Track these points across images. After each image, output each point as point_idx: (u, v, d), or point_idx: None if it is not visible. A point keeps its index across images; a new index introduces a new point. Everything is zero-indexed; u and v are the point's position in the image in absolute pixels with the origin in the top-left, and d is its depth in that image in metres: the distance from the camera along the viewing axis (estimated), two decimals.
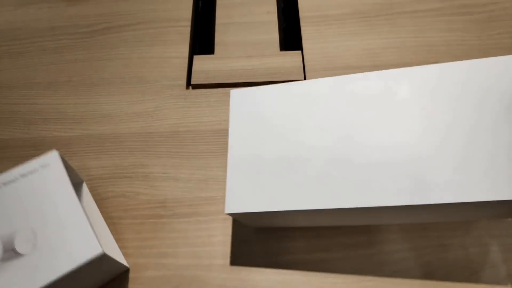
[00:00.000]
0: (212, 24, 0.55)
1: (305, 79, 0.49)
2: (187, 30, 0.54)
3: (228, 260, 0.38)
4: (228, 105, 0.47)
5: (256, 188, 0.30)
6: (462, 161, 0.27)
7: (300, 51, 0.51)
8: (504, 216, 0.35)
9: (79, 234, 0.31)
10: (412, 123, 0.29)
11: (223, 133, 0.45)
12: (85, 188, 0.41)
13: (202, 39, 0.56)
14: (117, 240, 0.40)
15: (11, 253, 0.30)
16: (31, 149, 0.46)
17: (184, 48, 0.52)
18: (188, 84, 0.50)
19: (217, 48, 0.52)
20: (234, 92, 0.33)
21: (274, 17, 0.55)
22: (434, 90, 0.29)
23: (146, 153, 0.44)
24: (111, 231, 0.40)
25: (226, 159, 0.43)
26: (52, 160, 0.34)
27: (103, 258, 0.31)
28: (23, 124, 0.48)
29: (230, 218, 0.40)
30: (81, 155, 0.45)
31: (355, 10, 0.54)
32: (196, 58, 0.51)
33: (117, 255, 0.36)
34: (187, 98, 0.48)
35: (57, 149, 0.45)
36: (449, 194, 0.26)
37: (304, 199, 0.28)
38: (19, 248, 0.30)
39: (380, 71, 0.31)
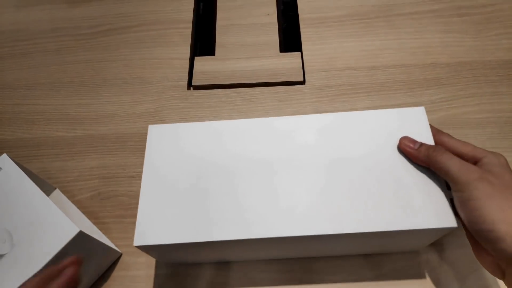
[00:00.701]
0: (213, 26, 0.56)
1: (304, 80, 0.49)
2: (188, 31, 0.55)
3: None
4: (229, 105, 0.48)
5: (168, 221, 0.30)
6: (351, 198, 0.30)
7: (299, 53, 0.52)
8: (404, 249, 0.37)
9: (52, 221, 0.32)
10: (313, 163, 0.32)
11: None
12: (57, 193, 0.43)
13: (203, 41, 0.57)
14: (118, 239, 0.40)
15: None
16: (34, 149, 0.46)
17: (185, 50, 0.53)
18: (189, 85, 0.50)
19: (217, 49, 0.53)
20: (152, 127, 0.35)
21: (274, 19, 0.55)
22: (333, 135, 0.33)
23: None
24: (113, 229, 0.40)
25: None
26: (3, 163, 0.36)
27: (83, 238, 0.32)
28: (25, 124, 0.48)
29: None
30: (83, 155, 0.45)
31: (354, 12, 0.55)
32: (197, 59, 0.52)
33: (104, 241, 0.37)
34: (188, 99, 0.49)
35: (60, 149, 0.46)
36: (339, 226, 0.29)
37: (216, 230, 0.29)
38: None
39: (294, 116, 0.34)
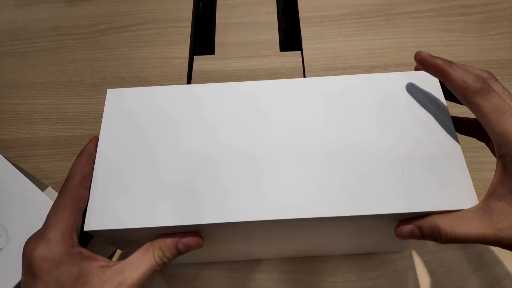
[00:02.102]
0: (212, 25, 0.56)
1: None
2: (188, 30, 0.54)
3: None
4: None
5: (125, 202, 0.25)
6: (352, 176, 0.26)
7: (300, 52, 0.51)
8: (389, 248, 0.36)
9: (46, 214, 0.32)
10: (307, 134, 0.27)
11: None
12: (49, 190, 0.43)
13: (203, 40, 0.57)
14: None
15: None
16: (32, 149, 0.46)
17: (184, 49, 0.53)
18: (189, 84, 0.50)
19: (217, 48, 0.53)
20: (111, 92, 0.30)
21: (274, 18, 0.55)
22: (329, 101, 0.29)
23: None
24: None
25: None
26: None
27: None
28: (24, 124, 0.48)
29: None
30: None
31: (354, 11, 0.54)
32: (197, 58, 0.52)
33: None
34: None
35: (58, 148, 0.46)
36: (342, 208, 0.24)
37: (189, 213, 0.25)
38: None
39: (277, 80, 0.30)
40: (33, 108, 0.49)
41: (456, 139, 0.27)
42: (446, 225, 0.23)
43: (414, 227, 0.25)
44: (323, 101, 0.29)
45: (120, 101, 0.29)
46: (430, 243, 0.38)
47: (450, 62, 0.26)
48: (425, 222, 0.24)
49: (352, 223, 0.26)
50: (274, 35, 0.53)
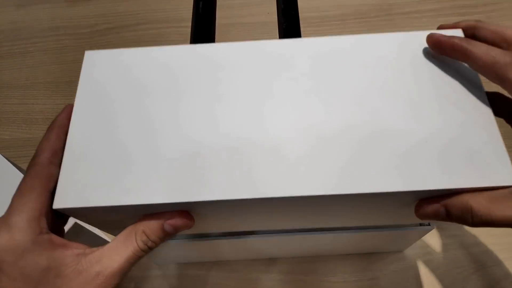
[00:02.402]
0: (212, 25, 0.55)
1: None
2: (188, 30, 0.54)
3: None
4: None
5: (101, 177, 0.22)
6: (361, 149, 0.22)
7: None
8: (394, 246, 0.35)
9: None
10: (317, 101, 0.24)
11: None
12: None
13: (203, 40, 0.57)
14: None
15: None
16: (32, 149, 0.45)
17: None
18: None
19: None
20: (90, 54, 0.25)
21: (274, 18, 0.55)
22: (338, 63, 0.25)
23: None
24: None
25: None
26: None
27: (79, 230, 0.32)
28: (24, 124, 0.48)
29: None
30: None
31: (355, 11, 0.54)
32: None
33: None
34: None
35: None
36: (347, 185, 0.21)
37: (169, 190, 0.21)
38: None
39: (279, 40, 0.27)
40: (33, 108, 0.49)
41: (489, 106, 0.23)
42: (480, 206, 0.20)
43: (440, 206, 0.21)
44: (326, 66, 0.25)
45: (100, 64, 0.25)
46: (430, 242, 0.38)
47: (469, 39, 0.23)
48: (454, 201, 0.21)
49: (364, 203, 0.23)
50: (274, 35, 0.53)
